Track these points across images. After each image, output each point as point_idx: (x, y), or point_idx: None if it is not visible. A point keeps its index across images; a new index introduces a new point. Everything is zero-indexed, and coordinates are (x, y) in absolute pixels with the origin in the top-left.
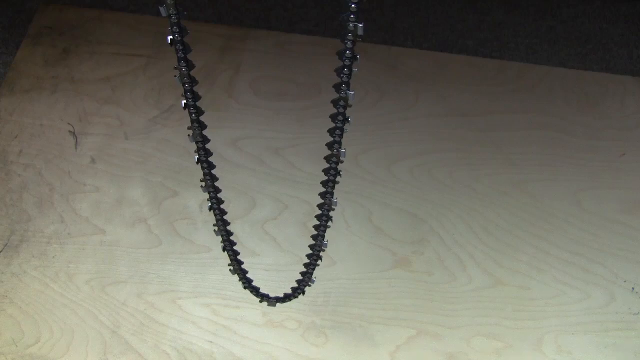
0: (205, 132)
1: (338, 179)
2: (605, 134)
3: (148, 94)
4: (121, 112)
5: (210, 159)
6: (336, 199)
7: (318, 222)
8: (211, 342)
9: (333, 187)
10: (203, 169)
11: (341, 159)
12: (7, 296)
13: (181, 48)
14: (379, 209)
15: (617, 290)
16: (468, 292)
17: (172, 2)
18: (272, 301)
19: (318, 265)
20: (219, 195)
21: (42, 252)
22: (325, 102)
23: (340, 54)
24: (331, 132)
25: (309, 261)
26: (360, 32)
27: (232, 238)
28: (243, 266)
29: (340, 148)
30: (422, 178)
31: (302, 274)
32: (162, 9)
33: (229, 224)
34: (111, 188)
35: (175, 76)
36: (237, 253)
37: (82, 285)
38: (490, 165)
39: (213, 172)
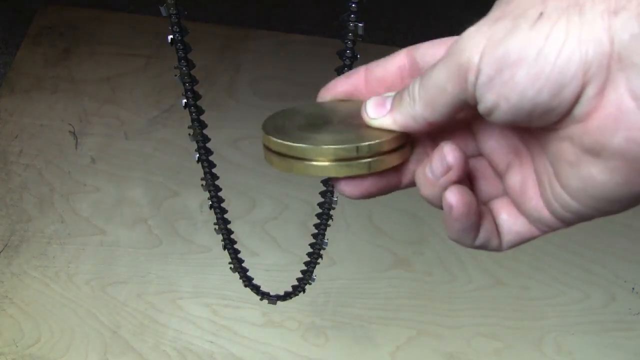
0: (205, 132)
1: None
2: None
3: (148, 94)
4: (121, 112)
5: (210, 158)
6: (336, 197)
7: (318, 221)
8: (211, 342)
9: (333, 186)
10: (203, 167)
11: None
12: (7, 296)
13: (181, 47)
14: (379, 209)
15: (617, 290)
16: (468, 292)
17: (172, 1)
18: (273, 299)
19: (318, 263)
20: (219, 194)
21: (42, 252)
22: None
23: (340, 54)
24: None
25: (309, 259)
26: (360, 32)
27: (232, 238)
28: (243, 265)
29: None
30: None
31: (303, 271)
32: (162, 9)
33: (229, 222)
34: (111, 188)
35: (176, 75)
36: (237, 251)
37: (82, 285)
38: None
39: (213, 170)
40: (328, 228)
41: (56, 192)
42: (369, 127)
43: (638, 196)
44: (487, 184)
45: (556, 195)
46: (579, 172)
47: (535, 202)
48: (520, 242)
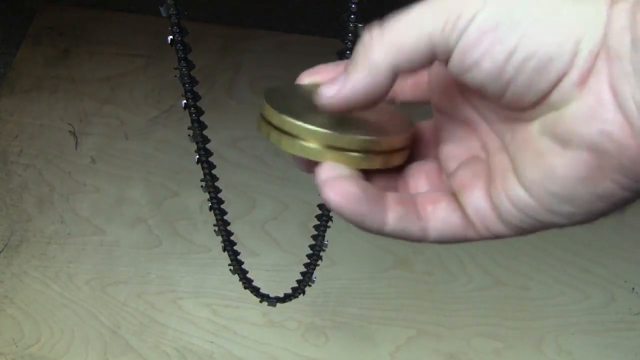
0: (205, 132)
1: None
2: None
3: (148, 94)
4: (121, 112)
5: (210, 159)
6: None
7: (318, 222)
8: (211, 342)
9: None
10: (203, 168)
11: None
12: (7, 296)
13: (181, 48)
14: None
15: (617, 290)
16: (468, 292)
17: (172, 1)
18: (272, 301)
19: (318, 265)
20: (219, 195)
21: (42, 252)
22: None
23: (340, 54)
24: None
25: (309, 261)
26: (360, 32)
27: (232, 238)
28: (243, 266)
29: None
30: None
31: (302, 273)
32: (162, 9)
33: (229, 223)
34: (111, 188)
35: (176, 76)
36: (237, 253)
37: (82, 285)
38: None
39: (213, 172)
40: (328, 229)
41: (56, 192)
42: (357, 118)
43: (593, 199)
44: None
45: (508, 189)
46: (542, 162)
47: (477, 196)
48: (452, 238)
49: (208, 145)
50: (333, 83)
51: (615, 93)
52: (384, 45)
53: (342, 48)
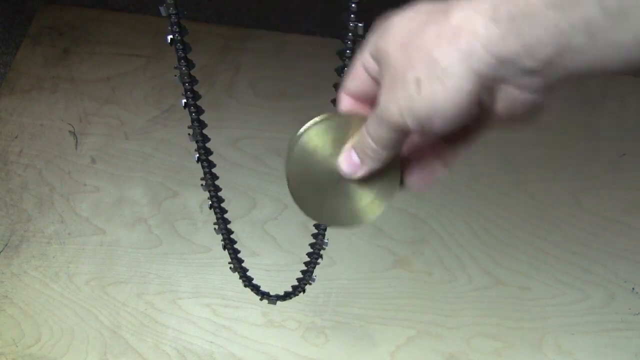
0: (205, 132)
1: None
2: (605, 134)
3: (148, 94)
4: (121, 112)
5: (210, 158)
6: None
7: None
8: (211, 342)
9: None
10: (203, 167)
11: None
12: (7, 296)
13: (181, 47)
14: None
15: (617, 290)
16: (468, 292)
17: (172, 1)
18: (273, 299)
19: (318, 263)
20: (219, 194)
21: (42, 252)
22: (325, 102)
23: (341, 54)
24: None
25: (309, 259)
26: (360, 32)
27: (232, 237)
28: (243, 265)
29: None
30: None
31: (303, 272)
32: (161, 9)
33: (229, 222)
34: (111, 188)
35: (175, 75)
36: (237, 251)
37: (82, 285)
38: (490, 165)
39: (213, 170)
40: (328, 228)
41: (56, 192)
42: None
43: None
44: None
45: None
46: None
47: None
48: None
49: (208, 145)
50: (351, 163)
51: None
52: (382, 148)
53: (342, 48)
